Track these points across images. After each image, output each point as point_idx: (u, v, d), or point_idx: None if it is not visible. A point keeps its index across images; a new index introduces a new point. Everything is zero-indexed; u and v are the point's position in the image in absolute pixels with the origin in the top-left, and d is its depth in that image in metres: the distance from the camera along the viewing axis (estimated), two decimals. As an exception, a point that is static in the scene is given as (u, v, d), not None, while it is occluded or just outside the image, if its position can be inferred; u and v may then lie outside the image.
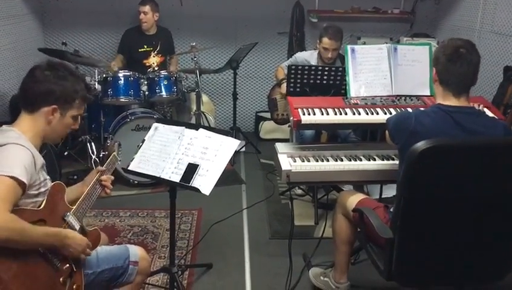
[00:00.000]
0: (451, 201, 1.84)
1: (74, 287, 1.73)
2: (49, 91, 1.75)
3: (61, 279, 1.68)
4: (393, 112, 2.68)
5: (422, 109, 2.15)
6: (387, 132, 2.23)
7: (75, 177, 3.86)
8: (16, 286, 1.50)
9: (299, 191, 3.92)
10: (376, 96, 2.82)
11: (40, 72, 1.76)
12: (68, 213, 1.80)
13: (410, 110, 2.51)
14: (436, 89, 2.13)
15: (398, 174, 1.95)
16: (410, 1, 5.19)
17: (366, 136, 3.98)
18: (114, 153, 2.22)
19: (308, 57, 3.95)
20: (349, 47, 2.89)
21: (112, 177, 2.11)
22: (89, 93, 1.91)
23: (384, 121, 2.27)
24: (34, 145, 1.74)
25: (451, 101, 2.03)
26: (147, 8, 4.52)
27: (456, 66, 1.99)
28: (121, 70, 4.19)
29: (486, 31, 4.10)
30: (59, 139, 1.92)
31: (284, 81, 3.96)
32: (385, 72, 2.86)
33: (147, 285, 2.67)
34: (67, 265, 1.73)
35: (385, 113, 2.68)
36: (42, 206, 1.70)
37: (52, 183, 1.80)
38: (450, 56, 2.00)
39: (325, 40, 3.73)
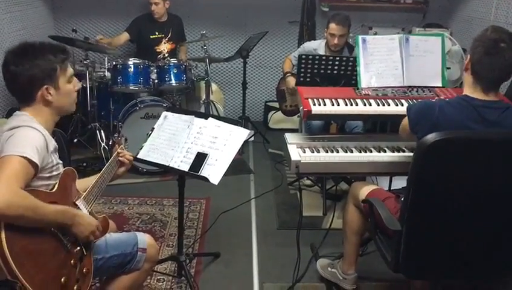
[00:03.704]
0: (461, 194, 1.82)
1: (84, 270, 1.75)
2: (30, 78, 1.73)
3: (71, 261, 1.70)
4: (405, 103, 2.65)
5: (447, 99, 2.09)
6: (405, 121, 2.14)
7: (84, 164, 3.88)
8: (29, 265, 1.52)
9: (308, 182, 3.91)
10: (387, 87, 2.79)
11: (12, 66, 1.74)
12: (79, 198, 1.82)
13: (432, 99, 2.41)
14: (465, 78, 2.03)
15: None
16: (423, -9, 5.13)
17: (375, 128, 3.95)
18: (121, 145, 2.22)
19: (317, 46, 3.92)
20: (360, 37, 2.86)
21: (129, 153, 2.15)
22: (63, 53, 1.82)
23: (396, 113, 2.25)
24: (46, 128, 1.75)
25: (479, 95, 1.96)
26: None
27: (492, 59, 1.91)
28: (123, 50, 4.14)
29: (500, 22, 4.03)
30: (73, 107, 1.90)
31: (288, 74, 3.94)
32: (396, 63, 2.83)
33: (155, 273, 2.69)
34: (78, 248, 1.75)
35: (396, 105, 2.65)
36: (55, 189, 1.73)
37: (64, 169, 1.82)
38: (488, 48, 1.90)
39: (332, 25, 3.71)
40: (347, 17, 3.77)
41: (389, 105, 2.66)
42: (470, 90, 2.00)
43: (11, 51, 1.77)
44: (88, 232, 1.75)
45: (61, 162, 1.83)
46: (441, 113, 1.93)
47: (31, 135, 1.65)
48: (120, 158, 2.14)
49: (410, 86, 2.80)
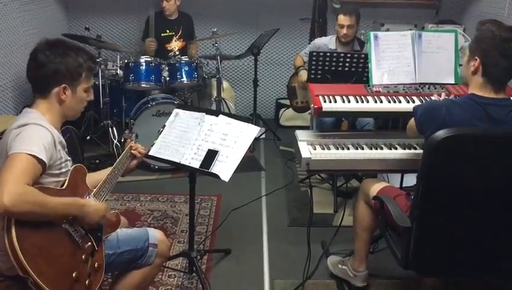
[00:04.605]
0: (471, 191, 1.81)
1: (96, 265, 1.76)
2: (54, 72, 1.76)
3: (83, 256, 1.71)
4: (416, 101, 2.63)
5: (453, 98, 2.07)
6: (411, 121, 2.13)
7: (97, 161, 3.92)
8: (40, 261, 1.54)
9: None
10: (399, 84, 2.77)
11: (41, 55, 1.77)
12: (89, 194, 1.84)
13: (434, 98, 2.41)
14: (473, 80, 1.99)
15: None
16: (436, -13, 5.07)
17: (387, 125, 3.93)
18: (132, 142, 2.24)
19: (327, 41, 3.92)
20: (372, 33, 2.84)
21: (142, 147, 2.19)
22: (93, 63, 1.89)
23: (407, 110, 2.23)
24: (54, 126, 1.77)
25: (489, 94, 1.93)
26: None
27: (509, 61, 1.87)
28: (134, 48, 4.17)
29: (515, 18, 3.99)
30: (78, 114, 1.93)
31: (301, 69, 3.94)
32: (409, 60, 2.81)
33: (166, 269, 2.71)
34: (89, 243, 1.76)
35: (408, 102, 2.63)
36: (65, 186, 1.75)
37: (74, 166, 1.84)
38: (504, 51, 1.86)
39: (340, 16, 3.72)
40: (355, 7, 3.78)
41: (400, 102, 2.64)
42: (478, 90, 1.96)
43: (46, 41, 1.80)
44: (98, 218, 1.76)
45: (69, 158, 1.84)
46: (448, 113, 1.90)
47: (38, 133, 1.67)
48: (133, 151, 2.16)
49: (422, 83, 2.78)
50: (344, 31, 3.71)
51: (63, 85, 1.78)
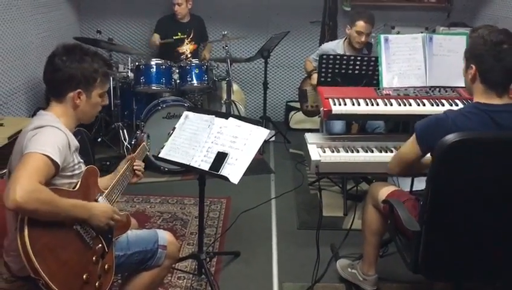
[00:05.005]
0: (480, 195, 1.79)
1: (106, 267, 1.77)
2: (70, 76, 1.78)
3: (93, 258, 1.73)
4: (427, 104, 2.62)
5: (455, 109, 2.03)
6: (411, 141, 2.02)
7: (108, 163, 3.95)
8: (51, 262, 1.55)
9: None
10: (409, 87, 2.76)
11: (58, 60, 1.79)
12: (101, 196, 1.85)
13: (432, 107, 2.28)
14: (474, 88, 1.96)
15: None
16: (447, -11, 5.05)
17: (398, 128, 3.92)
18: (143, 143, 2.26)
19: (335, 46, 3.91)
20: (382, 36, 2.83)
21: (143, 164, 2.16)
22: (109, 68, 1.92)
23: (417, 113, 2.21)
24: (68, 129, 1.80)
25: (493, 100, 1.91)
26: None
27: (503, 63, 1.86)
28: (146, 50, 4.23)
29: (527, 20, 3.95)
30: (93, 119, 1.96)
31: (314, 72, 3.94)
32: (419, 63, 2.79)
33: (175, 270, 2.72)
34: (100, 245, 1.78)
35: (418, 105, 2.62)
36: (77, 187, 1.77)
37: (86, 167, 1.86)
38: (498, 55, 1.85)
39: (360, 23, 3.66)
40: (373, 15, 3.75)
41: (410, 105, 2.63)
42: (481, 97, 1.93)
43: (63, 46, 1.84)
44: (106, 219, 1.77)
45: (82, 160, 1.86)
46: (454, 124, 1.86)
47: (53, 135, 1.69)
48: (135, 167, 2.12)
49: (433, 86, 2.76)
50: (362, 38, 3.69)
51: (78, 90, 1.80)
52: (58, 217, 1.61)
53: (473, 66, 1.93)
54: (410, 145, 2.04)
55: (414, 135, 2.01)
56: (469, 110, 1.92)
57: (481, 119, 1.87)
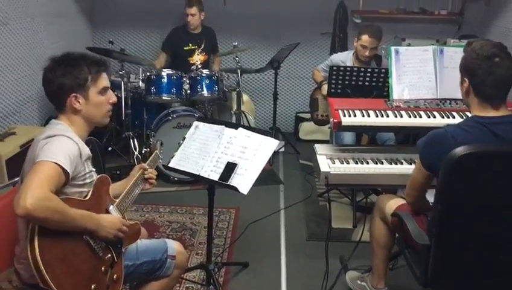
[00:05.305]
0: (489, 208, 1.78)
1: (114, 277, 1.78)
2: (60, 85, 1.80)
3: (102, 268, 1.73)
4: (437, 116, 2.61)
5: (454, 124, 2.02)
6: (418, 162, 2.02)
7: (118, 172, 3.97)
8: (60, 272, 1.56)
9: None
10: (420, 99, 2.75)
11: (48, 73, 1.81)
12: (112, 205, 1.86)
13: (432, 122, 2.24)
14: (470, 101, 1.97)
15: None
16: (458, 2, 5.03)
17: (408, 140, 3.90)
18: (156, 151, 2.27)
19: (344, 58, 3.91)
20: (393, 48, 2.84)
21: (155, 172, 2.17)
22: (99, 66, 1.88)
23: (428, 125, 2.20)
24: (81, 136, 1.82)
25: (490, 113, 1.90)
26: (193, 9, 4.58)
27: (494, 77, 1.85)
28: (164, 68, 4.30)
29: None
30: (105, 119, 1.94)
31: (324, 82, 3.94)
32: (430, 75, 2.79)
33: (184, 280, 2.72)
34: (109, 255, 1.78)
35: (428, 117, 2.61)
36: (88, 196, 1.78)
37: (98, 176, 1.87)
38: (489, 69, 1.85)
39: (365, 37, 3.67)
40: (380, 29, 3.74)
41: (421, 117, 2.62)
42: (478, 110, 1.93)
43: (52, 59, 1.85)
44: (114, 230, 1.77)
45: (94, 169, 1.87)
46: (453, 139, 1.85)
47: (65, 144, 1.70)
48: (146, 176, 2.13)
49: (443, 98, 2.75)
50: (366, 53, 3.69)
51: (72, 95, 1.81)
52: (67, 227, 1.61)
53: (466, 80, 1.93)
54: (417, 167, 2.04)
55: (418, 155, 2.01)
56: (467, 124, 1.92)
57: (480, 132, 1.87)
